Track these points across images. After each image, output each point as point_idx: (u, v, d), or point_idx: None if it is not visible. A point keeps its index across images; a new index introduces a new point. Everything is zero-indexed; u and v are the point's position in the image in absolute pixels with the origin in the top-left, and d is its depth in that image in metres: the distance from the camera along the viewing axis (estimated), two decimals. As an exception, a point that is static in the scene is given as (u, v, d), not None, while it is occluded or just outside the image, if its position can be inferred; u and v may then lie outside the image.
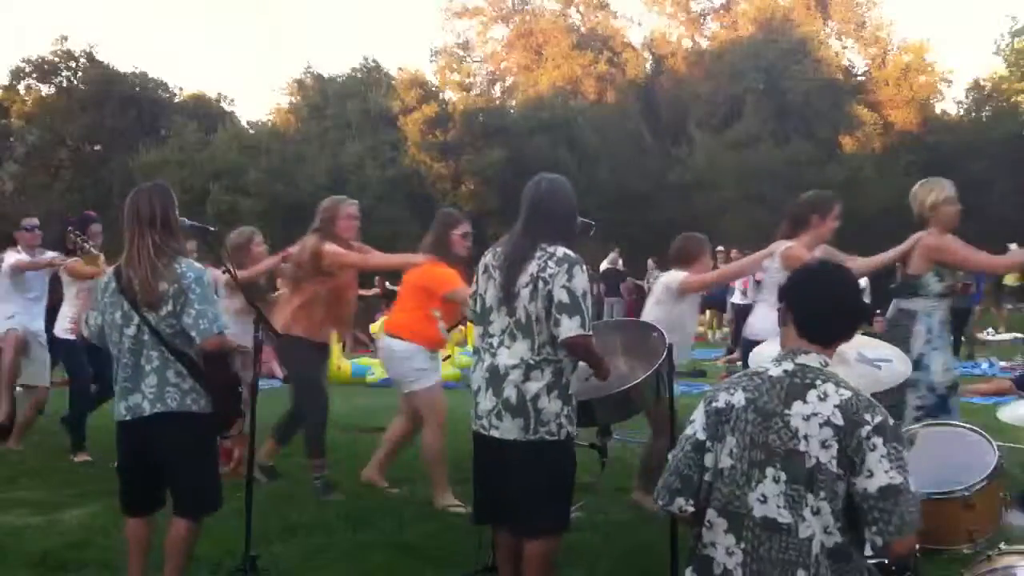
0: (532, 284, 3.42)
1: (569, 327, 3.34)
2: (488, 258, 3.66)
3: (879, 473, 2.28)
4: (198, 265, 3.66)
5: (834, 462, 2.31)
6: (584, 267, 3.46)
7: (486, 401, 3.51)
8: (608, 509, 5.17)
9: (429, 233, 5.56)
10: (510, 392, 3.43)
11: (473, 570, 4.03)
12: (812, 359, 2.48)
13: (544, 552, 3.49)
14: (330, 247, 5.58)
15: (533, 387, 3.41)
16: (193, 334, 3.54)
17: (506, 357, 3.46)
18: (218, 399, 3.65)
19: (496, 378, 3.47)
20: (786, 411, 2.40)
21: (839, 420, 2.33)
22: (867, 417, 2.32)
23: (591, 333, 3.42)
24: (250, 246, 6.19)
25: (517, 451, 3.44)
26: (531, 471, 3.43)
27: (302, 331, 5.63)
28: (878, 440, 2.30)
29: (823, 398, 2.37)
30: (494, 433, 3.48)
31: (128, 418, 3.62)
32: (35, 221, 6.97)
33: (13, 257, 6.83)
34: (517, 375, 3.42)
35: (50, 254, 6.86)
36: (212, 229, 4.32)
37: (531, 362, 3.42)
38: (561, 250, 3.45)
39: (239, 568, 4.04)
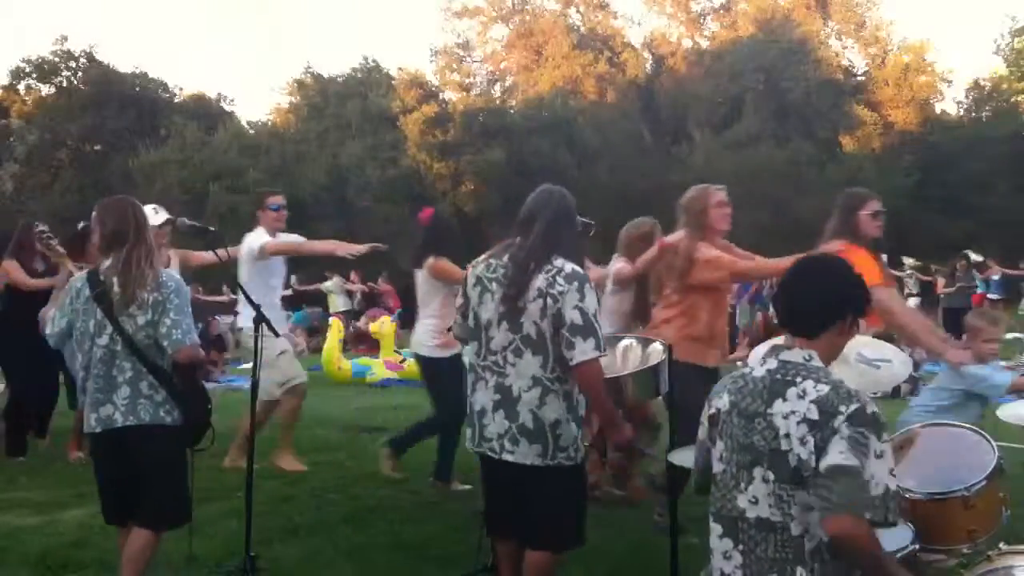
0: (541, 299, 3.26)
1: (584, 350, 3.21)
2: (480, 269, 3.49)
3: (833, 453, 2.26)
4: (177, 275, 3.66)
5: (813, 458, 2.31)
6: (591, 284, 3.35)
7: (495, 424, 3.36)
8: (608, 509, 5.17)
9: (832, 217, 4.70)
10: (526, 417, 3.30)
11: (473, 570, 4.03)
12: (795, 355, 2.47)
13: (548, 563, 3.44)
14: (705, 252, 4.62)
15: (552, 413, 3.30)
16: (165, 343, 3.50)
17: (515, 376, 3.32)
18: (189, 411, 3.62)
19: (508, 400, 3.33)
20: (768, 410, 2.40)
21: (814, 415, 2.32)
22: (841, 408, 2.31)
23: (606, 353, 3.34)
24: (655, 239, 5.17)
25: (535, 476, 3.34)
26: (549, 494, 3.34)
27: (683, 354, 4.35)
28: (844, 425, 2.28)
29: (802, 395, 2.37)
30: (507, 457, 3.34)
31: (98, 430, 3.56)
32: (282, 200, 6.27)
33: (262, 238, 6.03)
34: (532, 398, 3.30)
35: (292, 237, 6.33)
36: (212, 229, 4.33)
37: (546, 381, 3.30)
38: (569, 266, 3.31)
39: (239, 568, 4.03)
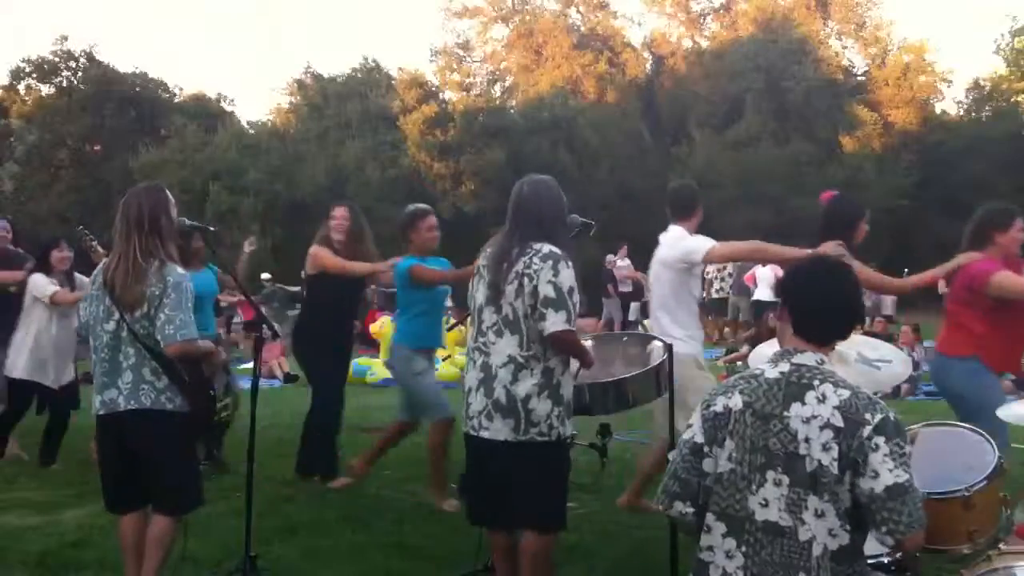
0: (517, 281, 3.42)
1: (554, 321, 3.35)
2: (480, 260, 3.68)
3: (884, 472, 2.27)
4: (181, 271, 3.65)
5: (835, 464, 2.30)
6: (570, 263, 3.46)
7: (477, 402, 3.50)
8: (608, 509, 5.17)
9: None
10: (500, 393, 3.43)
11: (473, 570, 4.03)
12: (808, 358, 2.46)
13: (539, 548, 3.48)
14: None
15: (523, 388, 3.41)
16: (159, 338, 3.55)
17: (495, 355, 3.46)
18: (193, 399, 3.66)
19: (488, 378, 3.47)
20: (785, 413, 2.39)
21: (839, 422, 2.31)
22: (867, 416, 2.31)
23: (574, 327, 3.43)
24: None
25: (508, 452, 3.43)
26: (522, 471, 3.42)
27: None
28: (880, 439, 2.29)
29: (822, 400, 2.36)
30: (484, 434, 3.47)
31: (102, 412, 3.65)
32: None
33: (706, 242, 4.94)
34: (506, 374, 3.42)
35: None
36: (212, 229, 4.33)
37: (520, 359, 3.42)
38: (547, 247, 3.45)
39: (239, 568, 4.04)
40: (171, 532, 3.68)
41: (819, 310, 2.53)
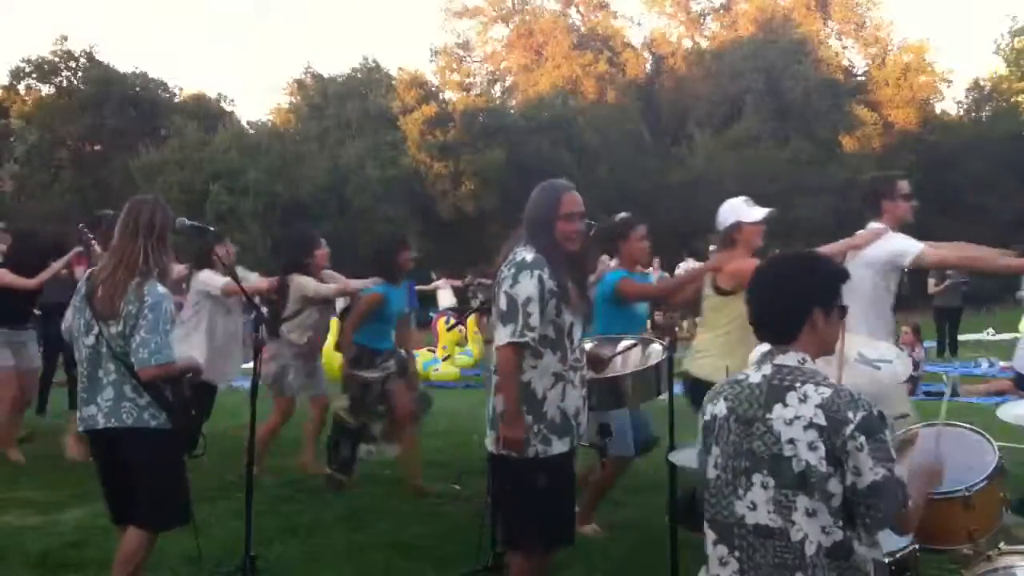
0: (496, 289, 3.42)
1: (501, 335, 3.26)
2: None
3: (865, 471, 2.29)
4: (162, 290, 3.53)
5: (823, 462, 2.31)
6: (537, 271, 3.28)
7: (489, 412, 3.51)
8: (608, 509, 5.16)
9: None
10: (489, 406, 3.44)
11: (473, 570, 4.03)
12: (790, 358, 2.45)
13: (520, 565, 3.42)
14: None
15: (500, 403, 3.36)
16: (133, 360, 3.46)
17: (493, 366, 3.46)
18: (175, 417, 3.56)
19: (489, 390, 3.49)
20: (767, 415, 2.39)
21: (822, 420, 2.32)
22: (849, 415, 2.31)
23: (522, 339, 3.24)
24: None
25: (492, 463, 3.45)
26: (502, 483, 3.43)
27: None
28: (862, 438, 2.29)
29: (804, 400, 2.36)
30: (486, 443, 3.49)
31: (81, 428, 3.62)
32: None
33: (913, 244, 4.56)
34: (491, 386, 3.42)
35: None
36: (212, 229, 4.34)
37: (495, 371, 3.39)
38: (521, 254, 3.36)
39: (239, 568, 4.04)
40: (145, 549, 3.59)
41: (758, 313, 2.55)
